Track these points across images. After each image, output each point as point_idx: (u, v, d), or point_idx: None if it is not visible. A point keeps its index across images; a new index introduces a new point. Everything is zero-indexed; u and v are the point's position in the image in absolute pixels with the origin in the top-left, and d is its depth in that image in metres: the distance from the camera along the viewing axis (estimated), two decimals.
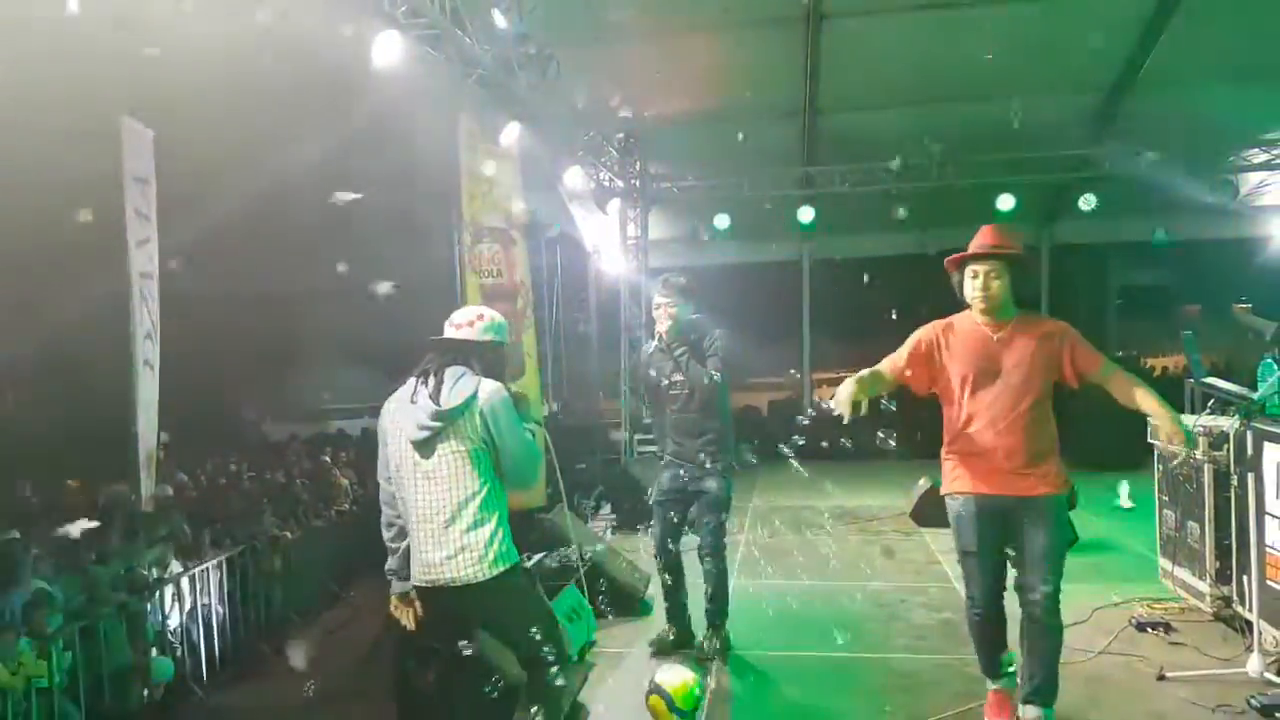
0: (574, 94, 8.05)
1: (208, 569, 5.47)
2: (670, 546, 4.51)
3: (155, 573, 4.93)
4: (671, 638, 4.57)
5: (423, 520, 2.80)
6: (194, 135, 6.26)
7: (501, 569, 2.77)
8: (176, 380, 6.07)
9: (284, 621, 6.15)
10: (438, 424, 2.73)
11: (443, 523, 2.77)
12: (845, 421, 3.10)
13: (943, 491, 3.47)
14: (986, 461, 3.32)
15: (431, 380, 2.79)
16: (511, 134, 6.86)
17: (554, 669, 2.85)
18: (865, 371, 3.30)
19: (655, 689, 3.64)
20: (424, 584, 2.83)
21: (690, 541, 4.56)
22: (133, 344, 5.68)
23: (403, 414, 2.81)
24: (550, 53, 6.58)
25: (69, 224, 5.84)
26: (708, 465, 4.37)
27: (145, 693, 4.38)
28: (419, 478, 2.80)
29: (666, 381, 4.44)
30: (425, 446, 2.77)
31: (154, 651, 4.60)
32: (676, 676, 3.67)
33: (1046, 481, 3.30)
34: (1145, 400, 3.20)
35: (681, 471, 4.43)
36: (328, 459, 9.00)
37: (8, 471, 5.59)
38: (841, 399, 3.10)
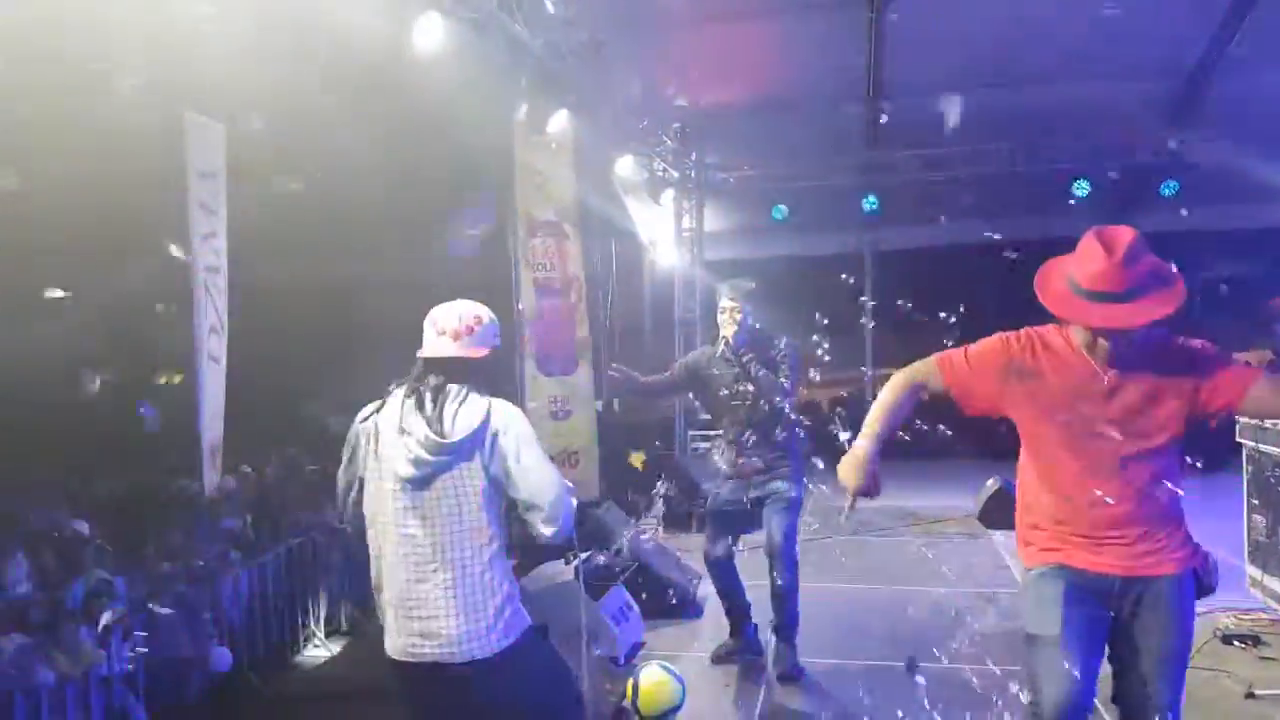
0: (627, 82, 7.95)
1: (267, 561, 5.54)
2: (724, 559, 4.38)
3: (215, 564, 5.01)
4: (733, 648, 4.47)
5: (411, 579, 2.24)
6: (255, 129, 6.32)
7: (513, 639, 2.26)
8: (240, 373, 6.16)
9: (342, 613, 6.20)
10: (440, 458, 2.21)
11: (439, 582, 2.21)
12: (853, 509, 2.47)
13: (1025, 563, 2.61)
14: (1084, 530, 2.45)
15: (428, 403, 2.26)
16: (560, 121, 6.80)
17: None
18: (877, 411, 2.50)
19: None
20: (408, 659, 2.26)
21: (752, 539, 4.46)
22: (196, 338, 5.78)
23: (388, 445, 2.27)
24: (601, 39, 6.49)
25: (136, 218, 5.95)
26: (777, 471, 4.23)
27: (204, 683, 4.44)
28: (408, 524, 2.25)
29: (727, 391, 4.27)
30: (420, 485, 2.22)
31: (214, 642, 4.67)
32: (653, 675, 3.72)
33: (1171, 556, 2.41)
34: None
35: (745, 482, 4.28)
36: None
37: (77, 462, 5.75)
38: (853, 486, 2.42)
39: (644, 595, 4.86)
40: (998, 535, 6.98)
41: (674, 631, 4.85)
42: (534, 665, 2.32)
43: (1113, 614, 2.42)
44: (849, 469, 2.44)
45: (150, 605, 4.16)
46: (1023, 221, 10.20)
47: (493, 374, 2.40)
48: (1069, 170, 9.96)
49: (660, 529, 7.44)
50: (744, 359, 4.18)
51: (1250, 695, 3.76)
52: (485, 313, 2.43)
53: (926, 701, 3.94)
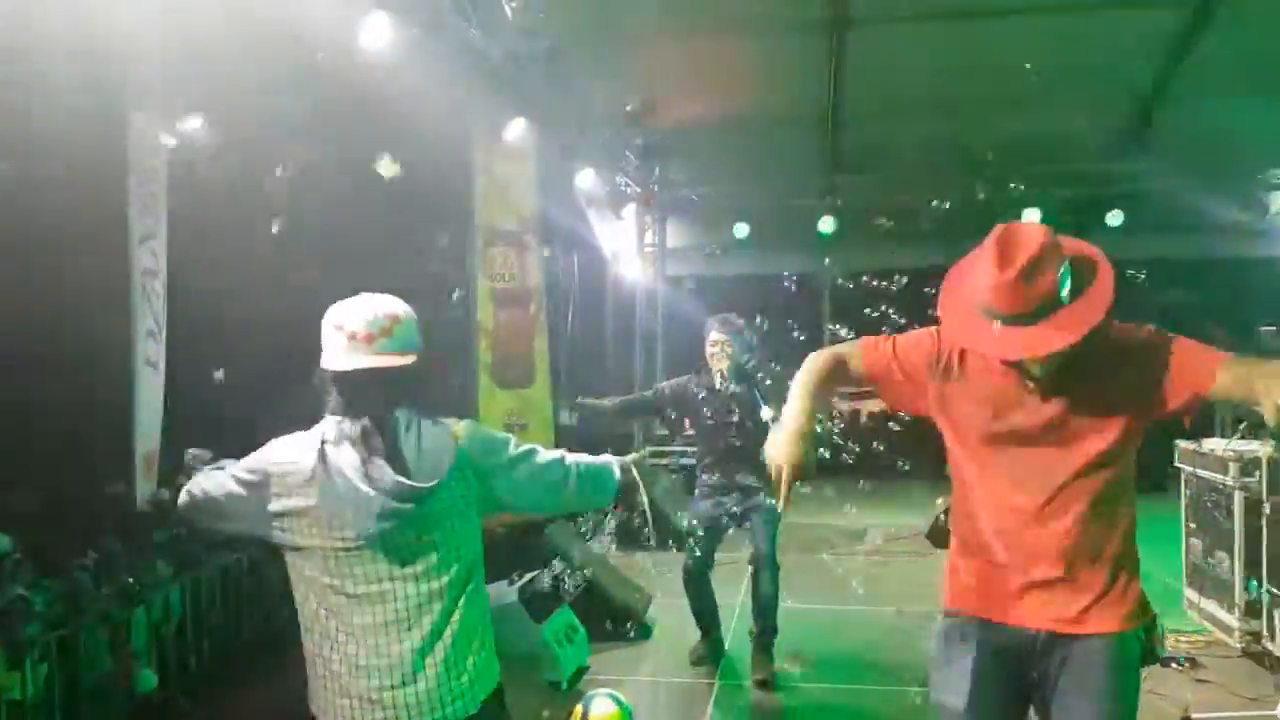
0: (591, 95, 7.91)
1: (202, 577, 5.35)
2: (704, 572, 4.68)
3: (148, 580, 4.81)
4: (703, 652, 4.79)
5: (380, 642, 1.91)
6: (200, 131, 6.17)
7: (488, 692, 2.00)
8: (178, 382, 5.98)
9: (282, 632, 6.02)
10: (408, 506, 1.86)
11: (416, 641, 1.91)
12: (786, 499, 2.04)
13: (945, 595, 2.26)
14: (1008, 570, 2.04)
15: (379, 440, 1.89)
16: (517, 130, 6.73)
17: None
18: (802, 384, 2.10)
19: None
20: None
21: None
22: (133, 342, 5.59)
23: (342, 499, 1.86)
24: (563, 49, 6.46)
25: (74, 218, 5.76)
26: (760, 486, 4.49)
27: (128, 706, 4.24)
28: (372, 584, 1.90)
29: (714, 420, 4.59)
30: (387, 538, 1.88)
31: (139, 663, 4.47)
32: (603, 708, 3.53)
33: (1110, 610, 1.99)
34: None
35: (726, 499, 4.60)
36: None
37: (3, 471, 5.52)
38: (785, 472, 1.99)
39: (591, 617, 4.76)
40: (946, 555, 7.02)
41: (622, 654, 4.75)
42: None
43: (1035, 676, 2.02)
44: (785, 444, 1.99)
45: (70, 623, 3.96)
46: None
47: (427, 387, 2.02)
48: (1020, 198, 10.13)
49: (613, 548, 7.34)
50: (736, 391, 4.52)
51: (1186, 718, 3.79)
52: (401, 308, 2.00)
53: None
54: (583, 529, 7.10)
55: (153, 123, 5.54)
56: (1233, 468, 4.56)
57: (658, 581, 6.03)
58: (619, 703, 3.62)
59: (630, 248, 11.07)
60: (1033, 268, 1.84)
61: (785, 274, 12.29)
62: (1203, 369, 1.90)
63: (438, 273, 8.12)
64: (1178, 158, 9.18)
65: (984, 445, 2.07)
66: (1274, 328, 9.17)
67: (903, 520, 8.14)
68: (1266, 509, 4.29)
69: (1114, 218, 10.22)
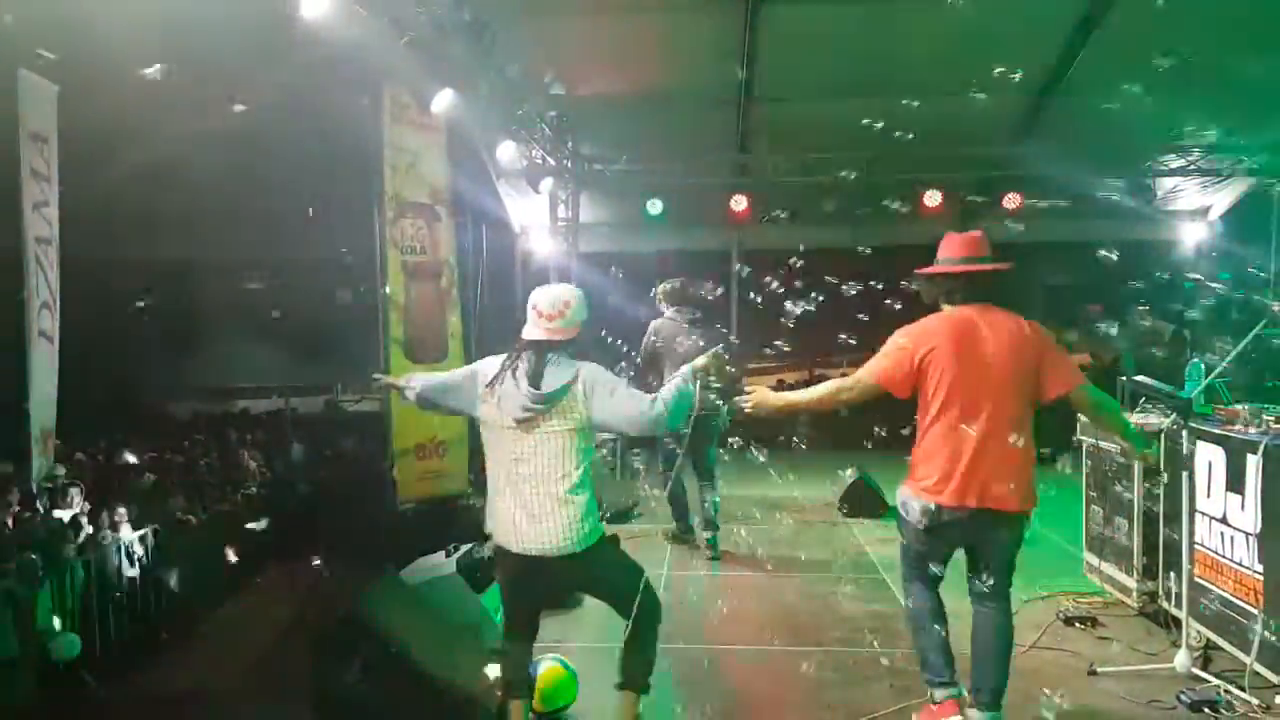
0: (508, 67, 7.76)
1: (107, 553, 5.11)
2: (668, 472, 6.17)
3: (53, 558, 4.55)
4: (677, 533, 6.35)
5: (523, 493, 2.99)
6: (98, 93, 5.80)
7: (594, 542, 3.02)
8: (75, 353, 5.67)
9: (186, 609, 5.80)
10: (540, 407, 2.95)
11: (540, 496, 2.96)
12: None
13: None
14: None
15: (532, 367, 2.99)
16: (444, 101, 6.54)
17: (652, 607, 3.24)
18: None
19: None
20: (514, 550, 3.03)
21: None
22: (27, 313, 5.29)
23: (505, 396, 2.99)
24: (487, 20, 6.31)
25: None
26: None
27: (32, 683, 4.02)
28: (520, 453, 3.00)
29: None
30: (527, 426, 2.98)
31: (59, 626, 4.25)
32: (550, 670, 3.71)
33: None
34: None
35: None
36: (233, 440, 8.58)
37: None
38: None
39: None
40: (856, 523, 7.29)
41: (557, 622, 4.74)
42: (609, 561, 3.19)
43: None
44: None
45: None
46: (882, 228, 10.62)
47: (582, 344, 3.09)
48: (922, 180, 10.45)
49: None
50: None
51: (1093, 672, 4.03)
52: (574, 295, 3.08)
53: (805, 682, 4.03)
54: None
55: (44, 83, 5.19)
56: None
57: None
58: (565, 665, 3.65)
59: (542, 222, 10.95)
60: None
61: (697, 250, 12.43)
62: None
63: (349, 242, 7.87)
64: (1072, 143, 9.58)
65: None
66: (1146, 307, 9.74)
67: (810, 492, 8.38)
68: (1164, 478, 4.48)
69: (1010, 200, 10.64)
